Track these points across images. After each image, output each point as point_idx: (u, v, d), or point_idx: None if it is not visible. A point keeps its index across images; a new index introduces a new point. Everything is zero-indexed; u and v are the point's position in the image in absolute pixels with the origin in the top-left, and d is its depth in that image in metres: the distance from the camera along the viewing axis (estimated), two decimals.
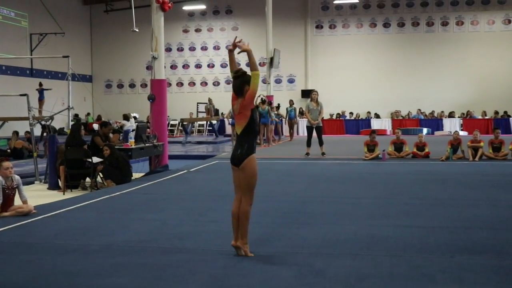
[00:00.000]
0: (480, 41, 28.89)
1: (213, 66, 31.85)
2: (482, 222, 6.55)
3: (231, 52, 5.38)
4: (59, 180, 11.03)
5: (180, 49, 32.24)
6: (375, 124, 27.13)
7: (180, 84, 32.31)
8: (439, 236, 5.87)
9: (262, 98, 20.79)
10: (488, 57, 28.66)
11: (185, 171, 12.45)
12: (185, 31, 32.11)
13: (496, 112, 27.85)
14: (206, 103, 26.47)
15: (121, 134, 14.78)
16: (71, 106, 13.95)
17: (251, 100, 5.12)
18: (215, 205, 8.04)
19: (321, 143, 15.27)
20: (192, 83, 32.19)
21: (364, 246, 5.50)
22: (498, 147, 14.06)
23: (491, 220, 6.66)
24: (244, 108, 5.11)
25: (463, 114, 28.16)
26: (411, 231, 6.14)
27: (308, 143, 15.34)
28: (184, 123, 23.97)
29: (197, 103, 28.40)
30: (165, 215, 7.35)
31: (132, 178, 11.24)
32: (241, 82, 5.16)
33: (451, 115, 28.07)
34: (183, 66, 32.27)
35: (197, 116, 27.93)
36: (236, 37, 5.38)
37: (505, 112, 27.79)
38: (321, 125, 15.48)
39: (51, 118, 13.25)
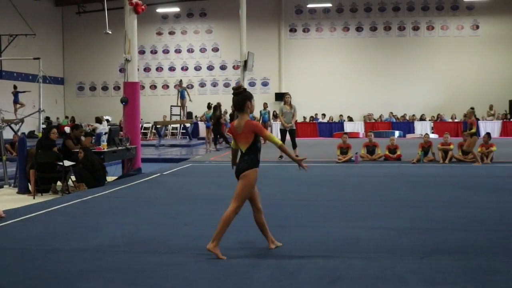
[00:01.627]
0: (449, 46, 29.37)
1: (186, 69, 31.74)
2: (452, 223, 6.64)
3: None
4: (29, 184, 10.85)
5: (154, 52, 32.06)
6: (348, 127, 27.36)
7: (153, 86, 32.11)
8: (410, 238, 5.92)
9: None
10: (457, 61, 29.16)
11: (159, 174, 12.36)
12: (159, 33, 31.94)
13: (465, 115, 28.31)
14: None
15: (94, 137, 14.61)
16: (42, 109, 13.74)
17: (256, 133, 5.14)
18: (188, 208, 7.99)
19: (294, 146, 15.31)
20: (165, 86, 32.02)
21: (336, 248, 5.53)
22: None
23: (460, 221, 6.75)
24: (249, 132, 5.13)
25: (434, 117, 28.55)
26: (383, 232, 6.19)
27: None
28: (158, 126, 23.82)
29: (171, 106, 28.23)
30: (138, 219, 7.27)
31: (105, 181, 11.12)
32: (242, 98, 5.19)
33: (422, 118, 28.45)
34: (157, 69, 32.09)
35: (171, 119, 27.77)
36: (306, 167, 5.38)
37: (474, 115, 28.25)
38: (294, 128, 15.53)
39: (21, 121, 13.03)
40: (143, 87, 30.21)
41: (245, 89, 5.29)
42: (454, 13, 29.55)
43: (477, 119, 27.38)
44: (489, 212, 7.32)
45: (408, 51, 29.63)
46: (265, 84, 31.11)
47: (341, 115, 29.57)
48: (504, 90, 28.73)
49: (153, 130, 27.70)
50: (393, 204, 8.09)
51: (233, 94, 5.27)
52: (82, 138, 12.03)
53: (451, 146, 14.11)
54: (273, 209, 7.78)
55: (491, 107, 28.52)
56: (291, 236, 6.09)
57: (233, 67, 31.14)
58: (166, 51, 32.00)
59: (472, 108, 14.89)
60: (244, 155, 5.23)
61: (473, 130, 13.96)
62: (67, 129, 19.44)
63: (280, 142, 5.25)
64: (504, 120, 27.05)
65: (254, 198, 5.39)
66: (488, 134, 14.51)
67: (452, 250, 5.39)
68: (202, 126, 25.73)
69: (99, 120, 21.11)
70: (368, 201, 8.40)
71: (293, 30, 30.74)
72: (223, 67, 31.53)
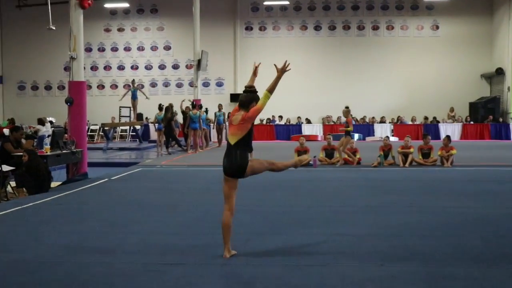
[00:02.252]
0: (409, 46, 30.03)
1: (137, 68, 31.42)
2: (411, 229, 6.77)
3: (254, 75, 5.90)
4: None
5: (101, 49, 31.62)
6: (306, 130, 27.58)
7: (101, 86, 31.66)
8: (369, 244, 6.01)
9: (192, 103, 20.73)
10: (417, 62, 29.83)
11: (106, 179, 12.20)
12: (107, 30, 31.53)
13: (426, 118, 28.98)
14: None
15: (35, 140, 14.30)
16: None
17: (255, 116, 5.45)
18: (139, 216, 7.90)
19: (250, 149, 15.31)
20: (114, 86, 31.61)
21: (293, 256, 5.56)
22: (428, 153, 14.60)
23: (420, 227, 6.90)
24: (245, 121, 5.41)
25: (394, 119, 29.09)
26: (342, 239, 6.27)
27: None
28: (105, 128, 23.50)
29: (120, 107, 27.89)
30: (83, 227, 7.15)
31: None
32: (251, 98, 5.51)
33: (382, 120, 28.95)
34: (105, 68, 31.66)
35: (120, 120, 27.42)
36: (288, 63, 5.63)
37: (434, 118, 28.95)
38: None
39: None
40: (89, 87, 29.73)
41: (256, 90, 5.59)
42: (414, 12, 30.22)
43: (438, 122, 28.10)
44: (449, 217, 7.50)
45: (368, 51, 30.14)
46: (219, 84, 31.09)
47: (299, 117, 29.80)
48: (465, 93, 29.54)
49: (100, 133, 27.30)
50: (352, 209, 8.19)
51: (244, 91, 5.57)
52: (23, 141, 11.74)
53: (411, 150, 14.38)
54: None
55: (451, 110, 29.28)
56: (247, 243, 6.09)
57: (186, 66, 31.00)
58: (114, 49, 31.61)
59: (347, 107, 15.22)
60: (233, 149, 5.51)
61: (350, 128, 14.62)
62: (6, 131, 18.96)
63: (266, 93, 5.44)
64: (464, 123, 27.77)
65: (233, 197, 5.69)
66: (448, 137, 14.86)
67: (411, 257, 5.50)
68: (153, 129, 25.52)
69: (41, 122, 20.65)
70: (326, 206, 8.48)
71: (249, 28, 30.84)
72: (175, 66, 31.35)
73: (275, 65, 5.68)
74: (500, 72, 28.58)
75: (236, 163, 5.52)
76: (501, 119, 27.80)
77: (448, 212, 7.92)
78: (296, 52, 30.35)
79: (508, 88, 28.17)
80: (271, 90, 5.45)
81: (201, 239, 6.32)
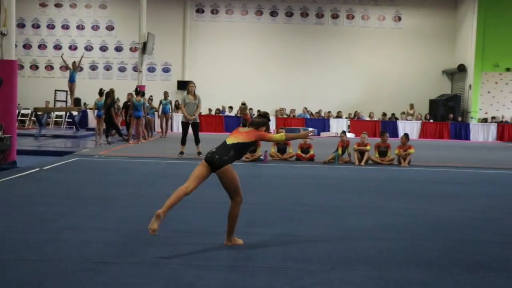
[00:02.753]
0: (370, 38, 30.45)
1: (75, 48, 30.79)
2: (365, 231, 6.89)
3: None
4: None
5: (36, 26, 30.85)
6: None
7: (34, 67, 30.91)
8: (320, 246, 6.09)
9: (136, 89, 20.53)
10: (377, 55, 30.29)
11: (37, 169, 11.95)
12: (43, 5, 30.77)
13: (384, 114, 29.47)
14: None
15: None
16: None
17: (260, 139, 6.11)
18: (72, 209, 7.78)
19: (197, 141, 15.30)
20: (49, 67, 30.92)
21: (240, 257, 5.58)
22: (385, 151, 14.86)
23: (374, 229, 7.02)
24: (252, 134, 5.99)
25: (351, 114, 29.47)
26: (291, 240, 6.32)
27: (183, 141, 15.31)
28: (38, 113, 22.97)
29: (55, 90, 27.32)
30: (9, 221, 6.99)
31: None
32: (262, 122, 6.14)
33: (338, 115, 29.29)
34: (39, 46, 30.91)
35: (55, 105, 26.86)
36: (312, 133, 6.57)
37: (393, 115, 29.47)
38: (198, 121, 15.51)
39: None
40: (21, 67, 29.04)
41: (269, 119, 6.28)
42: (376, 2, 30.66)
43: (396, 119, 28.63)
44: (405, 220, 7.66)
45: (326, 41, 30.42)
46: (166, 70, 30.83)
47: (250, 109, 29.83)
48: (425, 89, 30.19)
49: (32, 118, 26.67)
50: (303, 209, 8.27)
51: (258, 115, 6.26)
52: None
53: (368, 147, 14.61)
54: (171, 211, 7.72)
55: (411, 106, 29.87)
56: (190, 242, 6.08)
57: (130, 49, 30.62)
58: (51, 26, 30.89)
59: (244, 104, 15.48)
60: (225, 147, 5.89)
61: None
62: None
63: (283, 135, 6.13)
64: (424, 121, 28.38)
65: (196, 180, 5.86)
66: (406, 135, 15.14)
67: (364, 260, 5.60)
68: (91, 116, 25.11)
69: None
70: (276, 205, 8.54)
71: (200, 10, 30.67)
72: (118, 49, 30.91)
73: (301, 135, 6.63)
74: (462, 69, 29.31)
75: (217, 158, 5.82)
76: (460, 119, 28.54)
77: (403, 214, 8.09)
78: (250, 38, 30.39)
79: (470, 86, 28.94)
80: (288, 138, 6.34)
81: (141, 236, 6.27)
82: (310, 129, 6.14)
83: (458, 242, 6.48)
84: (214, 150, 5.95)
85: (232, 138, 6.01)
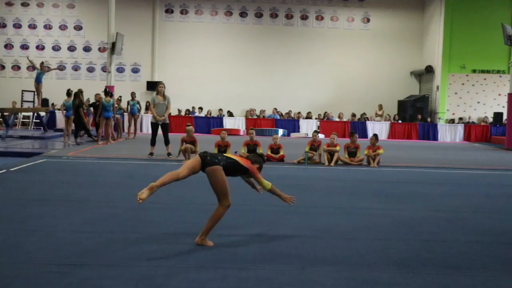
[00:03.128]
0: (339, 39, 30.70)
1: (43, 48, 30.47)
2: (335, 232, 6.93)
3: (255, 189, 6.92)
4: None
5: (2, 25, 30.46)
6: (228, 123, 27.65)
7: (1, 67, 30.55)
8: (290, 247, 6.11)
9: (105, 89, 20.37)
10: (347, 56, 30.55)
11: (4, 170, 11.79)
12: (9, 4, 30.38)
13: (353, 115, 29.72)
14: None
15: None
16: None
17: (251, 174, 6.30)
18: (40, 211, 7.68)
19: (167, 142, 15.24)
20: (16, 67, 30.52)
21: (210, 258, 5.57)
22: (354, 152, 14.98)
23: (344, 230, 7.07)
24: (248, 164, 6.25)
25: (321, 115, 29.65)
26: (261, 240, 6.33)
27: (152, 142, 15.24)
28: (5, 113, 22.63)
29: (22, 90, 26.97)
30: None
31: None
32: (258, 160, 6.53)
33: (308, 116, 29.44)
34: (6, 46, 30.51)
35: (22, 105, 26.49)
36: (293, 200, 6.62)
37: (362, 115, 29.71)
38: (167, 121, 15.47)
39: None
40: None
41: (264, 160, 6.69)
42: (345, 3, 30.91)
43: (366, 119, 28.89)
44: (374, 220, 7.73)
45: (296, 42, 30.57)
46: (135, 70, 30.65)
47: (220, 110, 29.84)
48: (394, 90, 30.55)
49: None
50: (273, 209, 8.28)
51: (258, 155, 6.72)
52: None
53: (338, 148, 14.71)
54: (140, 213, 7.69)
55: (380, 107, 30.18)
56: (160, 243, 6.05)
57: (99, 49, 30.38)
58: (17, 26, 30.49)
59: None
60: (223, 157, 6.14)
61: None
62: None
63: (270, 185, 6.32)
64: (392, 121, 28.67)
65: (187, 170, 5.99)
66: (375, 135, 15.30)
67: (333, 260, 5.64)
68: (59, 116, 24.84)
69: None
70: (246, 206, 8.53)
71: (169, 11, 30.56)
72: (87, 49, 30.64)
73: (282, 196, 6.51)
74: (429, 70, 29.74)
75: (209, 159, 6.01)
76: (429, 119, 28.92)
77: (373, 214, 8.16)
78: (220, 39, 30.39)
79: (437, 87, 29.36)
80: (272, 190, 6.38)
81: (110, 237, 6.22)
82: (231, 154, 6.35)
83: (428, 242, 6.55)
84: (209, 152, 6.19)
85: (230, 155, 6.33)
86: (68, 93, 19.56)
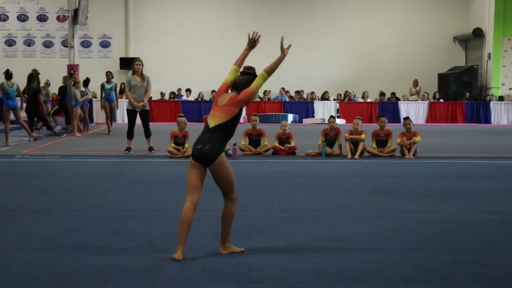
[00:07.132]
0: (362, 0, 30.56)
1: None
2: (362, 241, 6.90)
3: (247, 50, 7.00)
4: None
5: None
6: None
7: None
8: (306, 260, 6.08)
9: (72, 70, 20.37)
10: (371, 21, 30.43)
11: None
12: None
13: (382, 94, 29.63)
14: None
15: None
16: None
17: (246, 99, 6.25)
18: None
19: (148, 133, 15.21)
20: None
21: (201, 277, 5.55)
22: (384, 140, 14.93)
23: (373, 238, 7.04)
24: (234, 104, 6.16)
25: (340, 96, 29.57)
26: (271, 253, 6.30)
27: (130, 134, 15.20)
28: None
29: None
30: None
31: None
32: (249, 81, 6.34)
33: (324, 97, 29.37)
34: None
35: None
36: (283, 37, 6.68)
37: (393, 94, 29.64)
38: (147, 108, 15.44)
39: None
40: None
41: (255, 74, 6.47)
42: None
43: (397, 99, 28.80)
44: (411, 226, 7.69)
45: (307, 6, 30.46)
46: (105, 45, 30.64)
47: (213, 92, 29.79)
48: (433, 61, 30.43)
49: None
50: (284, 215, 8.27)
51: (242, 72, 6.48)
52: None
53: (363, 136, 14.66)
54: (114, 223, 7.70)
55: (415, 83, 30.06)
56: (138, 260, 6.04)
57: (58, 18, 30.37)
58: None
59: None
60: (210, 132, 6.07)
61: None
62: None
63: (261, 76, 6.39)
64: (432, 101, 28.56)
65: (199, 189, 6.17)
66: (408, 119, 15.18)
67: (361, 278, 5.61)
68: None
69: None
70: (248, 211, 8.51)
71: None
72: (42, 18, 30.62)
73: (281, 43, 6.64)
74: (478, 34, 29.57)
75: (207, 148, 6.03)
76: (479, 96, 28.78)
77: (409, 218, 8.13)
78: (210, 5, 30.33)
79: (489, 56, 29.21)
80: (269, 71, 6.37)
81: (75, 255, 6.20)
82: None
83: (480, 253, 6.52)
84: (199, 139, 6.12)
85: (212, 119, 6.17)
86: (8, 74, 18.36)
